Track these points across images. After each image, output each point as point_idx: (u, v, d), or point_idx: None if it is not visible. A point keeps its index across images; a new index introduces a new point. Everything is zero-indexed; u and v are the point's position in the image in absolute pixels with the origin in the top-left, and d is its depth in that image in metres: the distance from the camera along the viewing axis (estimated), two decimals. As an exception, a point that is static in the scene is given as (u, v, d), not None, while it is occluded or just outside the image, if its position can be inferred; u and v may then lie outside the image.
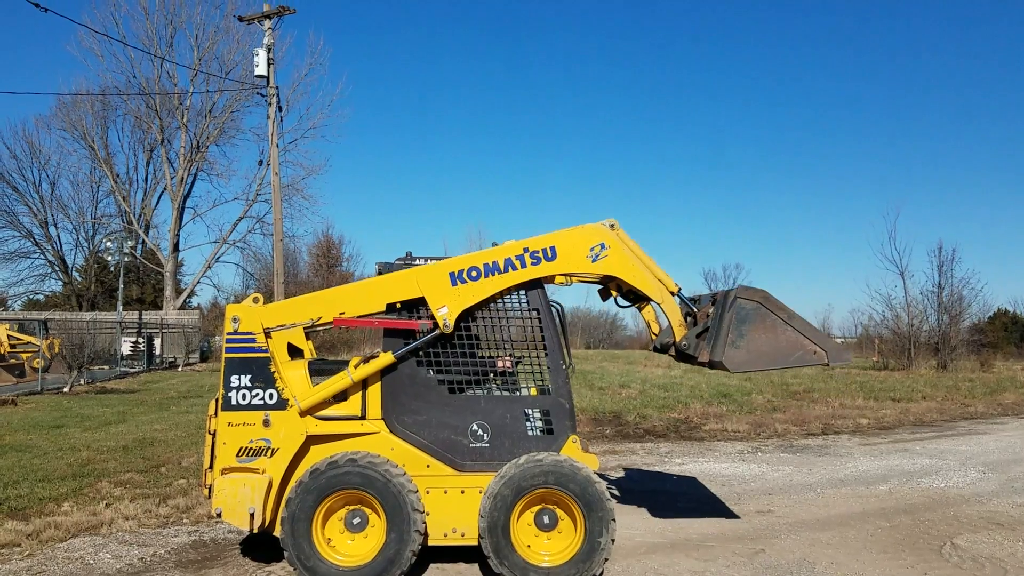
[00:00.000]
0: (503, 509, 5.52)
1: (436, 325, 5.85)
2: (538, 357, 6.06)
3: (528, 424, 5.90)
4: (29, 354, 24.76)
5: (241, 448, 5.74)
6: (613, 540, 5.56)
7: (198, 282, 45.57)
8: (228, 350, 5.88)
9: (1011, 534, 7.26)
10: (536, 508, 5.69)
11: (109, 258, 44.27)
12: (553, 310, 6.09)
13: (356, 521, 5.66)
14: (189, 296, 45.63)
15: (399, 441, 5.78)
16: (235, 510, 5.56)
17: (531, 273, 5.99)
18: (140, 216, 46.35)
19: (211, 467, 5.85)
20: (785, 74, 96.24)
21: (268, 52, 26.90)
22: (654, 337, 6.76)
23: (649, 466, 10.66)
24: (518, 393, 6.04)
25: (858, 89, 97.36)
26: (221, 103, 42.05)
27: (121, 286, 37.93)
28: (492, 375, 6.09)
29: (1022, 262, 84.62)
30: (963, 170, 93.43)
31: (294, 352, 6.09)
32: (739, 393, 19.02)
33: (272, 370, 5.82)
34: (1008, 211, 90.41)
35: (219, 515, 5.60)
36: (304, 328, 6.05)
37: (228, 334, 5.90)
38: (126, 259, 39.53)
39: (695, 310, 6.41)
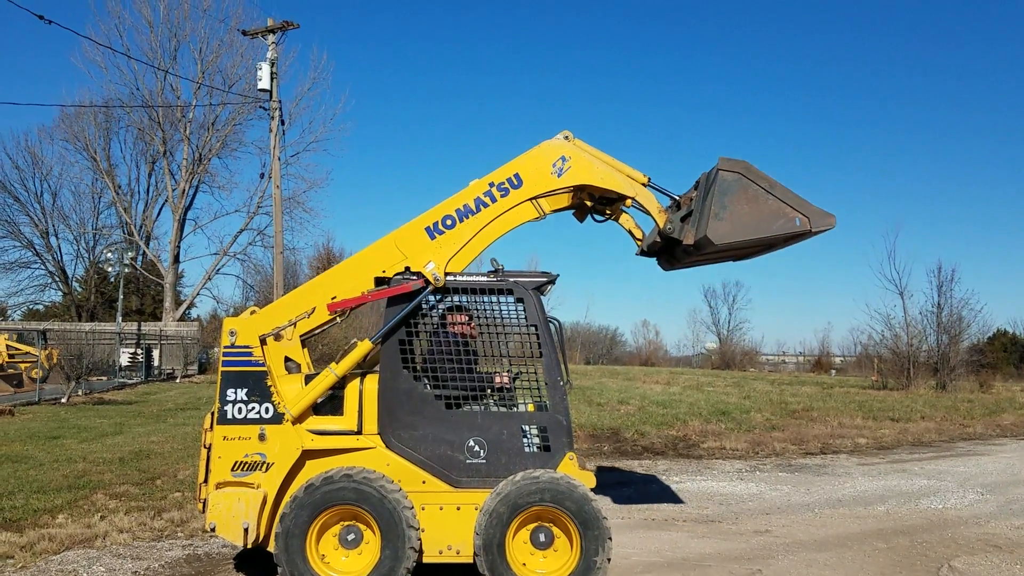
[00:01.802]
0: (499, 526, 5.48)
1: (428, 283, 5.87)
2: (536, 373, 6.04)
3: (525, 441, 5.87)
4: (27, 364, 24.75)
5: (236, 462, 5.72)
6: (609, 559, 5.53)
7: (198, 294, 45.67)
8: (225, 363, 5.87)
9: (1009, 557, 7.21)
10: (532, 526, 5.65)
11: (109, 269, 44.27)
12: (551, 326, 6.07)
13: (351, 537, 5.63)
14: (189, 308, 45.71)
15: (395, 456, 5.75)
16: (229, 525, 5.53)
17: (503, 205, 6.01)
18: (141, 227, 46.43)
19: (206, 481, 5.81)
20: (783, 90, 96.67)
21: (271, 66, 27.02)
22: (639, 242, 6.65)
23: (647, 484, 10.62)
24: (515, 409, 6.02)
25: (857, 107, 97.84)
26: (224, 116, 42.29)
27: (121, 297, 37.97)
28: (489, 391, 6.07)
29: (1022, 283, 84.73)
30: (963, 190, 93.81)
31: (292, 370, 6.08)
32: (738, 411, 18.97)
33: (268, 384, 5.81)
34: (1008, 232, 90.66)
35: (213, 530, 5.57)
36: (302, 335, 6.02)
37: (225, 347, 5.89)
38: (126, 270, 39.58)
39: (676, 197, 6.31)
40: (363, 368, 6.33)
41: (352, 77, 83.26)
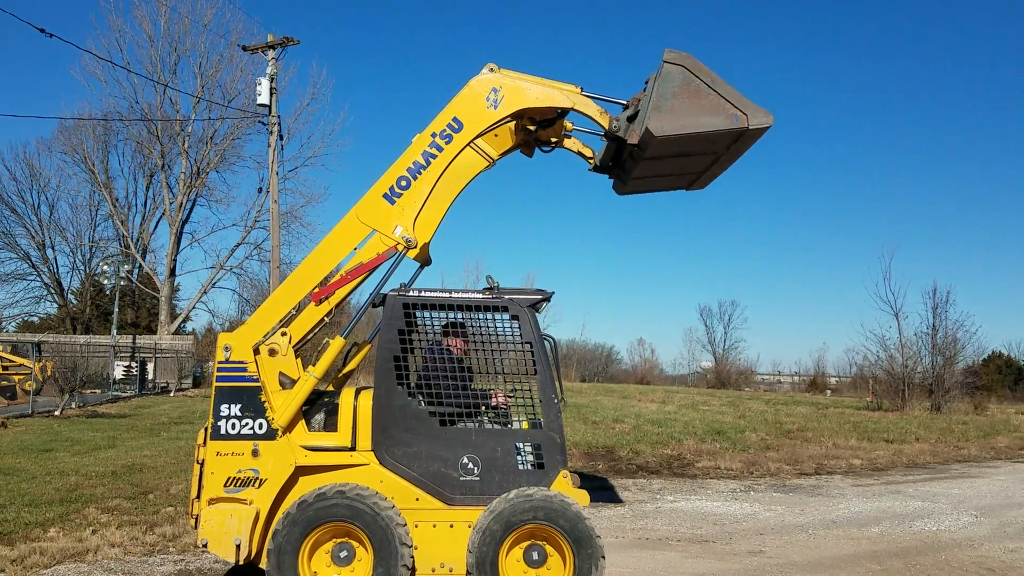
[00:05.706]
0: (492, 545, 5.47)
1: (398, 248, 5.94)
2: (530, 390, 6.03)
3: (519, 458, 5.86)
4: (21, 376, 24.65)
5: (229, 478, 5.70)
6: (602, 578, 5.51)
7: (193, 307, 45.58)
8: (219, 379, 5.86)
9: (1003, 580, 7.21)
10: (525, 544, 5.63)
11: (105, 281, 44.30)
12: (546, 343, 6.08)
13: (343, 554, 5.61)
14: (184, 321, 45.60)
15: (389, 473, 5.74)
16: (221, 541, 5.51)
17: (451, 151, 6.00)
18: (138, 240, 46.46)
19: (198, 497, 5.79)
20: (780, 111, 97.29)
21: (271, 81, 27.19)
22: (590, 160, 6.64)
23: (641, 503, 10.60)
24: (509, 427, 6.02)
25: (854, 128, 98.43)
26: (222, 130, 42.46)
27: (116, 310, 37.94)
28: (484, 408, 6.07)
29: (1016, 306, 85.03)
30: (958, 212, 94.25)
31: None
32: (733, 431, 18.95)
33: (262, 400, 5.80)
34: (1003, 254, 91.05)
35: (205, 546, 5.54)
36: (295, 345, 6.00)
37: (219, 363, 5.88)
38: (122, 283, 39.60)
39: (625, 102, 6.21)
40: (339, 367, 6.40)
41: (351, 93, 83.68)
